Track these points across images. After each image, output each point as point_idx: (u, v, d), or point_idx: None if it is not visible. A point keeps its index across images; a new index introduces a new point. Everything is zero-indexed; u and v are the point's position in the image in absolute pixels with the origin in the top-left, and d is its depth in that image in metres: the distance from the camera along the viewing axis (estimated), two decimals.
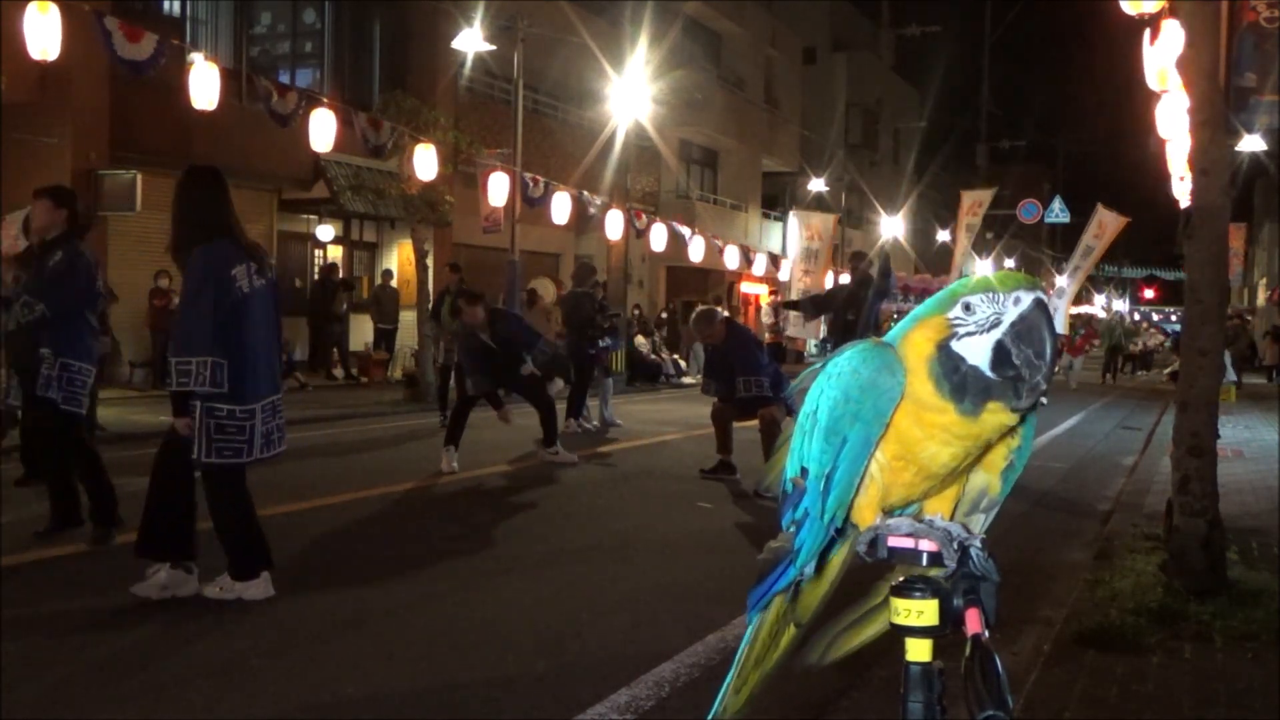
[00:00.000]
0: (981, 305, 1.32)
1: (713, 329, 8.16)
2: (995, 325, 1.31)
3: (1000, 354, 1.31)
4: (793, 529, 1.44)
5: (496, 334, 8.29)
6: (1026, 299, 1.31)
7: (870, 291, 9.20)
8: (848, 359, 1.38)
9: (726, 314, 9.37)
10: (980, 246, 35.28)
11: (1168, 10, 5.85)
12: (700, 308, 9.48)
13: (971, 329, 1.32)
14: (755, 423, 7.76)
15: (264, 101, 10.43)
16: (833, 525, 1.40)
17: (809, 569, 1.44)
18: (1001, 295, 1.32)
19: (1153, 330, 42.80)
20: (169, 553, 4.37)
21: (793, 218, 20.15)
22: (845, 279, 12.15)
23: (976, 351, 1.31)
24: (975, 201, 20.77)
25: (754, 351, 8.14)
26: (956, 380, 1.31)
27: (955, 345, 1.32)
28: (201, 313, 4.11)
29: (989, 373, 1.31)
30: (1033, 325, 1.31)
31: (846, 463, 1.35)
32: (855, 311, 9.23)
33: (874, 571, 1.46)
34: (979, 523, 1.51)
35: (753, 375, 7.80)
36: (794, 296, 17.18)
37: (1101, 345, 26.22)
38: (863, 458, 1.35)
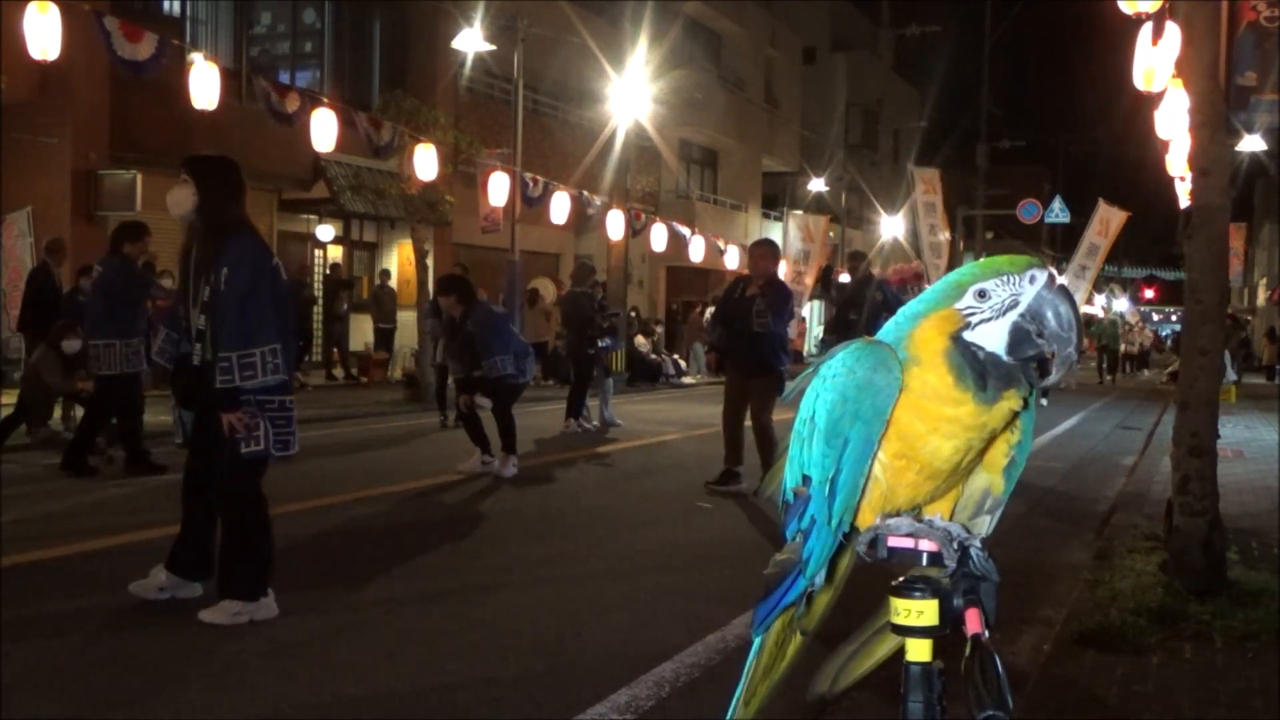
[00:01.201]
0: (997, 289, 1.33)
1: (773, 260, 7.96)
2: (1013, 307, 1.32)
3: (1017, 336, 1.31)
4: (799, 539, 1.42)
5: (463, 326, 7.85)
6: (1041, 276, 1.33)
7: (868, 306, 9.16)
8: (841, 360, 1.38)
9: None
10: (980, 247, 35.32)
11: (1169, 10, 5.85)
12: (763, 237, 9.27)
13: (987, 315, 1.32)
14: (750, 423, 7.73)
15: (264, 101, 10.42)
16: (841, 530, 1.39)
17: (819, 578, 1.43)
18: (1016, 276, 1.33)
19: (1145, 329, 42.66)
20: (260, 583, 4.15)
21: (790, 220, 20.24)
22: (845, 279, 12.14)
23: (992, 337, 1.32)
24: (926, 179, 20.76)
25: (791, 308, 7.99)
26: (978, 369, 1.31)
27: (969, 335, 1.32)
28: (263, 302, 4.01)
29: (1006, 357, 1.31)
30: (1055, 298, 1.32)
31: (850, 464, 1.35)
32: (857, 311, 9.23)
33: (881, 584, 1.46)
34: (985, 524, 1.50)
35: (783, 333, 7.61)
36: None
37: (1097, 345, 26.18)
38: (865, 458, 1.35)
